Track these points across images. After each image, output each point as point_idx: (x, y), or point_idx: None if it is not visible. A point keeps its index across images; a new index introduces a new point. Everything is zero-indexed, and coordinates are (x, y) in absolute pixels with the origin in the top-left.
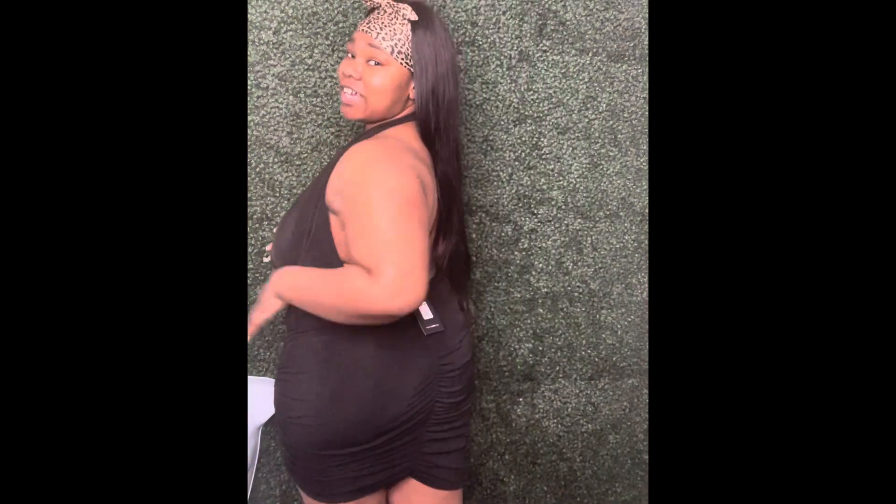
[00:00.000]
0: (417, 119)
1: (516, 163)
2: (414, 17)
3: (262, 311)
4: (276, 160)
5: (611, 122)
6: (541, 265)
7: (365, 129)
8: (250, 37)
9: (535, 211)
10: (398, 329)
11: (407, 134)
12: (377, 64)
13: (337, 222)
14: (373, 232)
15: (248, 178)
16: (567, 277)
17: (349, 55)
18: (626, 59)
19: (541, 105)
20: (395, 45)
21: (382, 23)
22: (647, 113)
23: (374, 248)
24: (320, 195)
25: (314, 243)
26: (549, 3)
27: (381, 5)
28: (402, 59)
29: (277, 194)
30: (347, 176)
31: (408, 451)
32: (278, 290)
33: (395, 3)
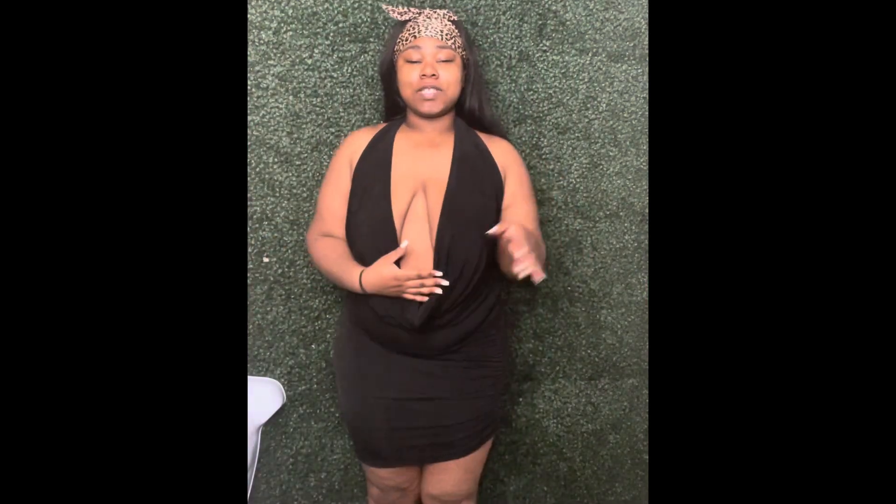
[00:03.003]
0: (468, 106)
1: None
2: (454, 17)
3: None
4: (276, 160)
5: (611, 122)
6: None
7: (408, 120)
8: (250, 37)
9: None
10: None
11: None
12: (447, 62)
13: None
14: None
15: (248, 178)
16: (567, 277)
17: (409, 62)
18: (626, 59)
19: (541, 105)
20: (455, 42)
21: (437, 26)
22: (647, 113)
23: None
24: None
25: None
26: (549, 3)
27: (422, 13)
28: (461, 52)
29: (277, 194)
30: (517, 167)
31: None
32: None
33: (434, 10)
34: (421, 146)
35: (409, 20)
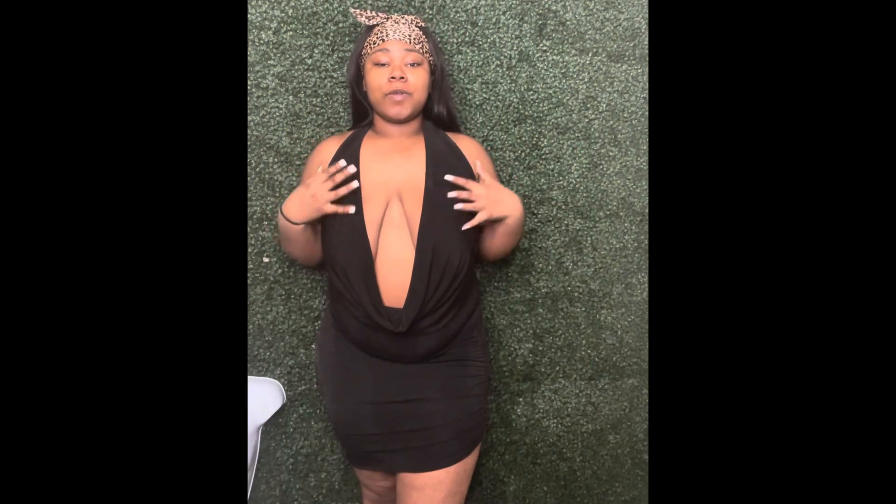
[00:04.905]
0: (436, 112)
1: (516, 163)
2: (422, 23)
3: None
4: (276, 160)
5: (611, 122)
6: (541, 265)
7: (375, 125)
8: (250, 37)
9: (535, 211)
10: None
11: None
12: (414, 65)
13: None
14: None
15: (248, 178)
16: (567, 277)
17: (377, 65)
18: (626, 59)
19: (541, 105)
20: (422, 46)
21: (405, 30)
22: (647, 113)
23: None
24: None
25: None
26: (549, 3)
27: (390, 18)
28: (428, 57)
29: (277, 194)
30: (485, 161)
31: None
32: (508, 211)
33: (402, 15)
34: (391, 152)
35: (377, 24)
